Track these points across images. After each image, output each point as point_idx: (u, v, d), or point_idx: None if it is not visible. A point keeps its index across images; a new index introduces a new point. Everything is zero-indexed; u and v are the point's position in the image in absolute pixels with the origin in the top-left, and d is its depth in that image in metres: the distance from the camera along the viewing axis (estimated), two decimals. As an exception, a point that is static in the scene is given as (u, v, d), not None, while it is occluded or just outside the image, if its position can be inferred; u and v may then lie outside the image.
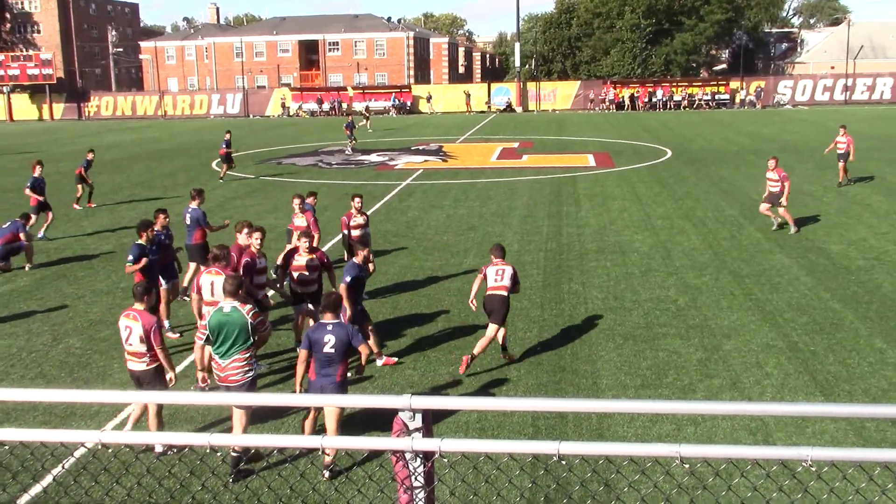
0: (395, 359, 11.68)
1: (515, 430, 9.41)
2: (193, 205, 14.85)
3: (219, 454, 3.55)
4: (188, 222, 14.73)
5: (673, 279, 15.64)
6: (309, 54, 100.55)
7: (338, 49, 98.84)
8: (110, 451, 7.30)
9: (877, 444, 8.95)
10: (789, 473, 5.41)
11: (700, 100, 70.81)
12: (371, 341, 11.03)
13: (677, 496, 7.17)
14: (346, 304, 10.62)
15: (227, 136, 31.38)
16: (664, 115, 64.97)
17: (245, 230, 11.50)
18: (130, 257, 12.01)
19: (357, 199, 15.06)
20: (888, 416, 2.98)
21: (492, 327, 11.22)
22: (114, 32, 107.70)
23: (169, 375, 8.89)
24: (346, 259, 14.38)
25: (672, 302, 14.20)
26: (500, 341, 11.51)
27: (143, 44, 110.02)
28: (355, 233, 14.73)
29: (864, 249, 17.72)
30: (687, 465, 3.13)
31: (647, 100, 71.46)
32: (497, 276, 11.47)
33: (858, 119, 51.56)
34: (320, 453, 7.87)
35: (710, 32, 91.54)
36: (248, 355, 8.60)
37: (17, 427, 9.39)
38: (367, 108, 61.44)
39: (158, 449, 8.61)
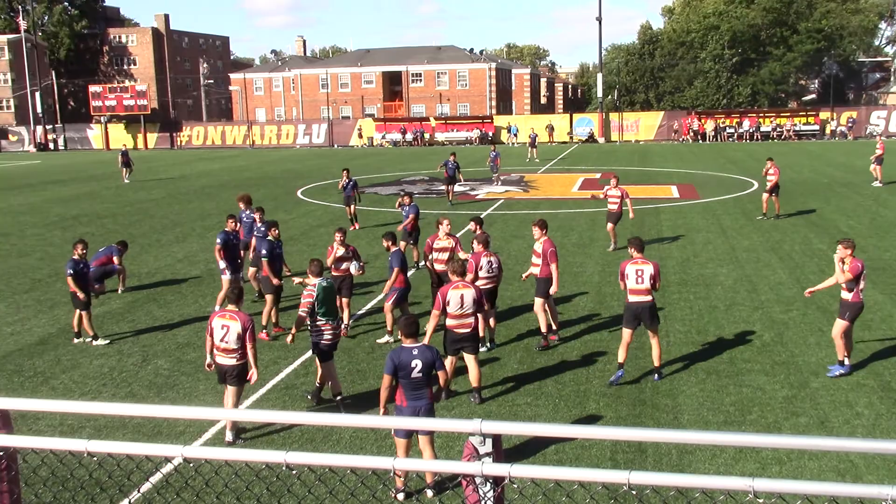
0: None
1: (593, 462, 9.30)
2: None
3: (294, 472, 3.63)
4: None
5: (758, 314, 15.27)
6: (392, 85, 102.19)
7: (421, 80, 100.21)
8: (191, 465, 7.54)
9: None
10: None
11: (788, 130, 69.21)
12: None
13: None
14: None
15: (452, 157, 32.18)
16: (751, 145, 63.72)
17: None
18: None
19: (445, 222, 15.19)
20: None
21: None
22: (205, 65, 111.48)
23: (252, 372, 10.03)
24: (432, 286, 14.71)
25: (757, 337, 13.87)
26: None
27: (232, 75, 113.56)
28: (441, 255, 14.77)
29: (962, 286, 16.99)
30: (761, 501, 3.07)
31: (732, 131, 70.15)
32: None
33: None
34: (392, 475, 7.98)
35: (798, 62, 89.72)
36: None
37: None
38: (532, 138, 56.80)
39: (229, 437, 10.11)
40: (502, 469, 3.25)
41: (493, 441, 3.39)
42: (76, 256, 14.41)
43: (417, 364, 8.43)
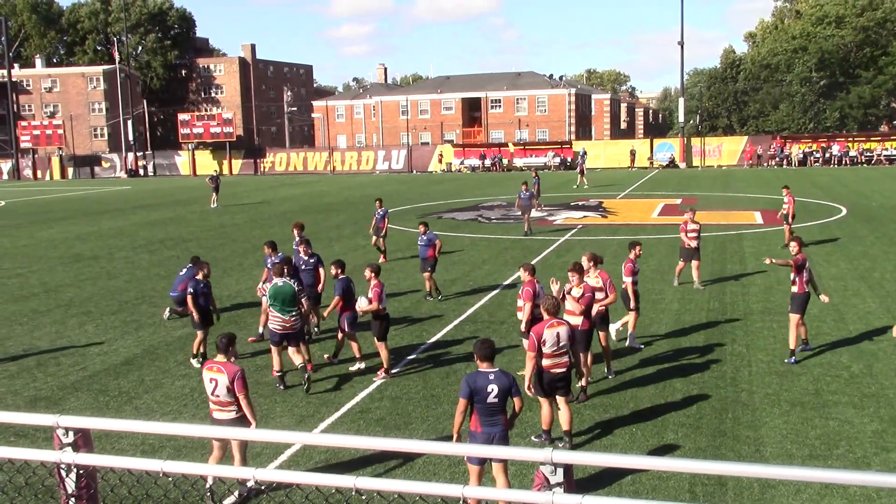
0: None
1: (671, 495, 9.06)
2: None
3: (364, 497, 3.61)
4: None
5: (846, 344, 14.74)
6: (472, 111, 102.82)
7: (500, 106, 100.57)
8: (263, 487, 7.63)
9: None
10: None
11: (879, 155, 67.04)
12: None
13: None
14: None
15: (524, 187, 30.48)
16: (839, 170, 61.96)
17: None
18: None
19: (638, 247, 15.26)
20: None
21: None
22: (289, 93, 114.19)
23: (252, 426, 9.04)
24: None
25: (845, 368, 13.37)
26: None
27: (315, 103, 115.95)
28: (637, 278, 14.87)
29: None
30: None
31: (818, 155, 68.27)
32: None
33: None
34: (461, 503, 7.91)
35: (890, 85, 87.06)
36: (297, 312, 13.13)
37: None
38: (579, 164, 55.82)
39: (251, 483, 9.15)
40: (573, 500, 3.17)
41: (565, 471, 3.32)
42: (199, 277, 14.63)
43: (494, 389, 8.33)
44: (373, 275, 13.58)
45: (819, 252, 24.53)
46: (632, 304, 14.83)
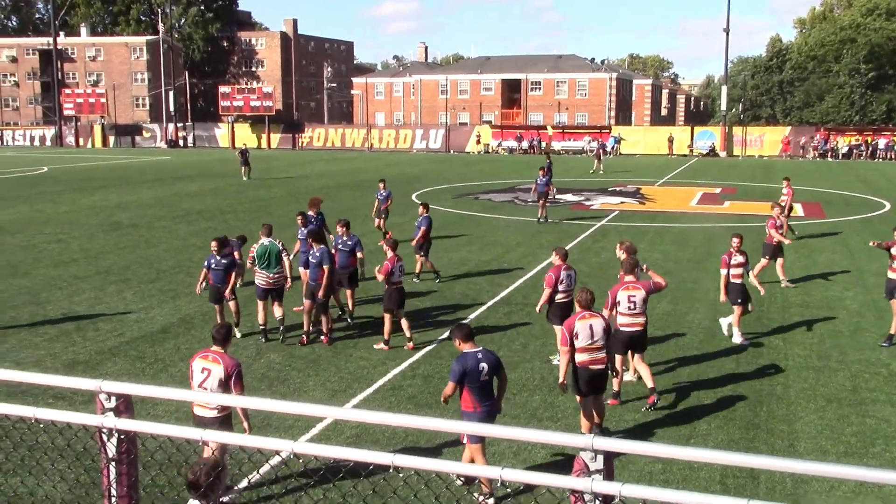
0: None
1: (702, 485, 9.01)
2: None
3: (401, 475, 3.62)
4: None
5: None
6: (511, 93, 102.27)
7: (539, 88, 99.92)
8: (300, 460, 7.71)
9: None
10: None
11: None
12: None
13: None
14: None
15: (541, 172, 29.73)
16: (883, 165, 60.84)
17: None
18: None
19: (736, 239, 14.69)
20: None
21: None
22: (329, 69, 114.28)
23: (245, 426, 8.49)
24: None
25: (884, 366, 13.17)
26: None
27: (355, 80, 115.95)
28: (735, 271, 14.44)
29: None
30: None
31: (863, 148, 67.04)
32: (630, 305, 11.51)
33: None
34: (477, 482, 7.95)
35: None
36: (281, 269, 14.47)
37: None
38: (598, 149, 55.84)
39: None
40: (613, 487, 3.15)
41: (605, 458, 3.30)
42: (213, 251, 14.63)
43: (484, 367, 8.40)
44: (388, 249, 14.44)
45: (861, 246, 24.12)
46: (721, 297, 14.60)
